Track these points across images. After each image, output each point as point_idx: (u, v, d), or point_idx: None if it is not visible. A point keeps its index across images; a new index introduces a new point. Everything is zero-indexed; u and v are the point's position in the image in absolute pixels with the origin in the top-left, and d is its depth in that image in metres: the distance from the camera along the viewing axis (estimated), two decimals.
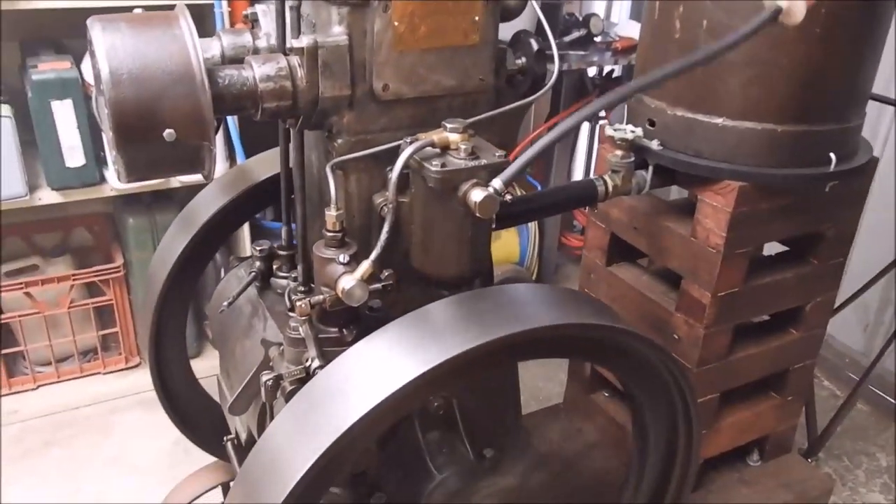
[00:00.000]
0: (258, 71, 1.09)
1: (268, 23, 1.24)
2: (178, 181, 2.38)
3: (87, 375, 2.66)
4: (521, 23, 1.34)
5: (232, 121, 2.42)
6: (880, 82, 1.65)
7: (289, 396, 1.14)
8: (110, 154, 1.01)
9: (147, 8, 1.16)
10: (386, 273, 1.18)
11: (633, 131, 1.44)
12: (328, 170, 1.15)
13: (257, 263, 1.46)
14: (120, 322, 2.61)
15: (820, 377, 2.77)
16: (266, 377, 1.18)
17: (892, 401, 2.57)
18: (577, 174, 3.46)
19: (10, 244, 2.64)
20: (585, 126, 3.43)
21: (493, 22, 1.19)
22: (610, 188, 1.44)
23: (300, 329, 1.18)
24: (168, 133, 1.00)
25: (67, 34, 2.36)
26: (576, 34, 2.87)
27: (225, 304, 1.41)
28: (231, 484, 1.39)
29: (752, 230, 1.48)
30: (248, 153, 2.39)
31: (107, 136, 1.04)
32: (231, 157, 2.48)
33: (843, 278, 2.44)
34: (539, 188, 3.22)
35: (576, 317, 1.16)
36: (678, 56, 1.24)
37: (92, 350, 2.68)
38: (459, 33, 1.16)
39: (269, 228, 2.61)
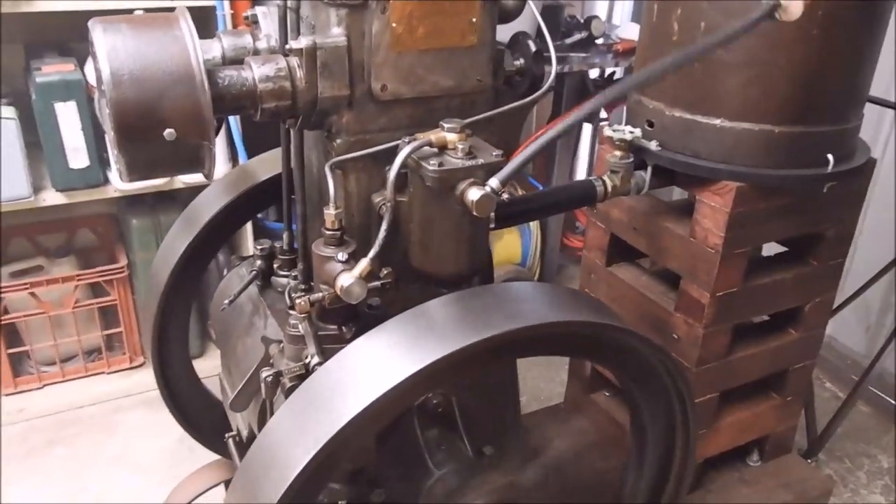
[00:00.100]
0: (257, 71, 1.10)
1: (268, 24, 1.26)
2: (181, 182, 2.39)
3: (92, 375, 2.67)
4: (523, 25, 1.35)
5: (234, 121, 2.43)
6: (882, 86, 1.66)
7: (288, 393, 1.15)
8: (112, 154, 1.03)
9: (148, 10, 1.17)
10: (385, 271, 1.19)
11: (631, 132, 1.45)
12: (327, 169, 1.16)
13: (258, 262, 1.48)
14: (124, 322, 2.63)
15: (822, 379, 2.77)
16: (266, 374, 1.19)
17: (894, 402, 2.57)
18: (580, 175, 3.47)
19: (15, 245, 2.66)
20: (588, 127, 3.44)
21: (490, 23, 1.20)
22: (609, 188, 1.44)
23: (300, 326, 1.19)
24: (168, 133, 1.02)
25: (71, 37, 2.38)
26: (577, 36, 2.88)
27: (226, 302, 1.42)
28: None
29: (750, 230, 1.49)
30: (251, 154, 2.41)
31: (108, 136, 1.05)
32: (234, 158, 2.50)
33: (846, 279, 2.46)
34: (541, 189, 3.23)
35: (572, 315, 1.17)
36: None
37: (96, 350, 2.69)
38: (457, 34, 1.17)
39: (271, 229, 2.63)
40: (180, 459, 2.24)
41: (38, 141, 2.22)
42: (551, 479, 1.62)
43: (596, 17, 2.99)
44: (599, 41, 2.96)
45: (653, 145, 1.48)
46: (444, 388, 1.26)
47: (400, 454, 1.30)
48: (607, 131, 1.47)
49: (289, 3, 1.15)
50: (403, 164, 1.11)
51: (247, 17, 1.29)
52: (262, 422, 1.35)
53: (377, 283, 1.16)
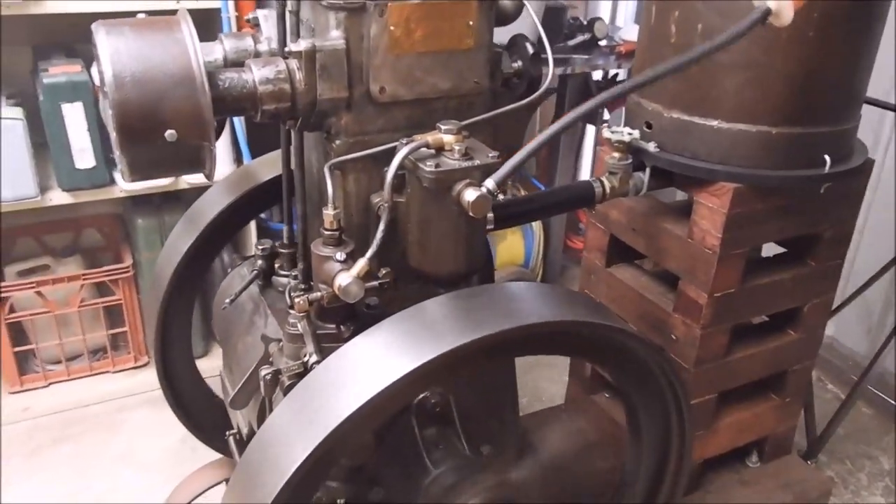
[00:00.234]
0: (257, 74, 1.12)
1: (269, 27, 1.27)
2: (186, 182, 2.41)
3: (97, 374, 2.69)
4: (526, 27, 1.37)
5: (239, 123, 2.45)
6: (882, 88, 1.66)
7: (287, 390, 1.17)
8: (115, 154, 1.05)
9: (154, 12, 1.19)
10: (384, 271, 1.21)
11: (630, 133, 1.46)
12: (326, 170, 1.18)
13: (259, 262, 1.49)
14: (129, 321, 2.65)
15: (824, 381, 2.77)
16: (265, 372, 1.20)
17: (895, 403, 2.57)
18: (584, 177, 3.48)
19: (22, 244, 2.68)
20: (592, 129, 3.45)
21: (487, 26, 1.22)
22: (607, 189, 1.45)
23: (298, 325, 1.21)
24: (170, 133, 1.04)
25: (79, 38, 2.40)
26: (580, 38, 2.88)
27: (227, 301, 1.44)
28: None
29: (747, 231, 1.50)
30: (255, 155, 2.42)
31: (111, 137, 1.07)
32: (238, 159, 2.52)
33: (849, 280, 2.46)
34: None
35: (568, 314, 1.18)
36: None
37: (101, 349, 2.71)
38: (454, 37, 1.18)
39: (275, 230, 2.64)
40: (183, 459, 2.25)
41: (45, 141, 2.25)
42: (549, 479, 1.63)
43: (599, 18, 2.99)
44: (602, 43, 2.97)
45: (651, 147, 1.49)
46: (440, 385, 1.28)
47: (398, 453, 1.32)
48: (606, 133, 1.48)
49: (288, 7, 1.17)
50: (401, 166, 1.13)
51: (248, 20, 1.31)
52: (261, 419, 1.36)
53: (375, 283, 1.18)
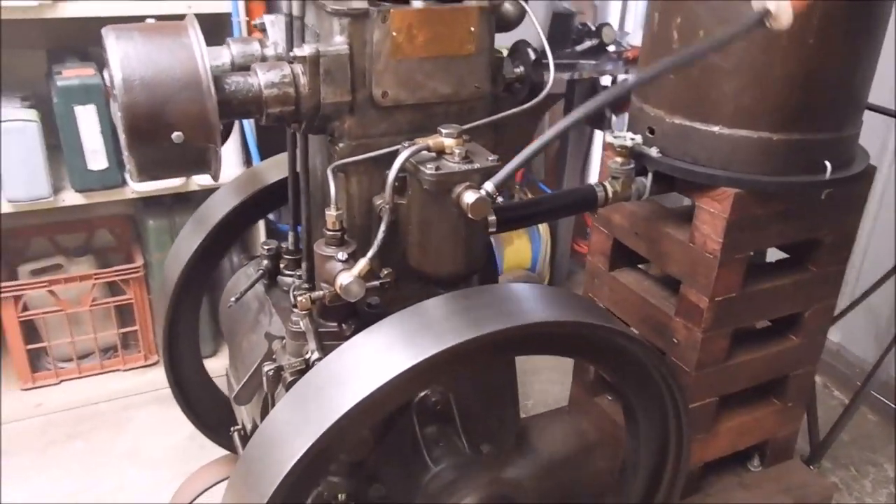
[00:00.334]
0: (263, 78, 1.15)
1: (276, 32, 1.30)
2: (196, 184, 2.45)
3: (108, 372, 2.73)
4: (531, 33, 1.38)
5: (248, 125, 2.48)
6: (885, 94, 1.66)
7: (289, 386, 1.19)
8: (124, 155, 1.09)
9: (164, 16, 1.22)
10: (385, 271, 1.23)
11: (632, 138, 1.47)
12: (329, 172, 1.20)
13: (265, 262, 1.52)
14: (139, 320, 2.69)
15: (830, 387, 2.76)
16: (268, 368, 1.23)
17: None
18: (592, 181, 3.48)
19: (36, 244, 2.73)
20: (600, 134, 3.46)
21: (488, 32, 1.24)
22: (610, 194, 1.47)
23: (301, 323, 1.23)
24: (176, 135, 1.06)
25: (92, 42, 2.43)
26: (588, 43, 2.90)
27: (232, 299, 1.47)
28: None
29: (748, 236, 1.51)
30: (264, 157, 2.45)
31: (120, 138, 1.10)
32: (248, 161, 2.55)
33: (856, 286, 2.45)
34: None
35: (566, 315, 1.19)
36: None
37: (112, 347, 2.75)
38: (456, 43, 1.21)
39: (284, 231, 2.67)
40: (190, 456, 2.28)
41: (59, 143, 2.28)
42: (549, 478, 1.65)
43: (607, 24, 3.01)
44: (610, 48, 2.98)
45: (653, 152, 1.51)
46: (439, 383, 1.30)
47: (398, 450, 1.34)
48: (608, 137, 1.50)
49: (294, 12, 1.19)
50: (402, 168, 1.15)
51: (256, 25, 1.33)
52: (264, 415, 1.38)
53: (376, 283, 1.20)
